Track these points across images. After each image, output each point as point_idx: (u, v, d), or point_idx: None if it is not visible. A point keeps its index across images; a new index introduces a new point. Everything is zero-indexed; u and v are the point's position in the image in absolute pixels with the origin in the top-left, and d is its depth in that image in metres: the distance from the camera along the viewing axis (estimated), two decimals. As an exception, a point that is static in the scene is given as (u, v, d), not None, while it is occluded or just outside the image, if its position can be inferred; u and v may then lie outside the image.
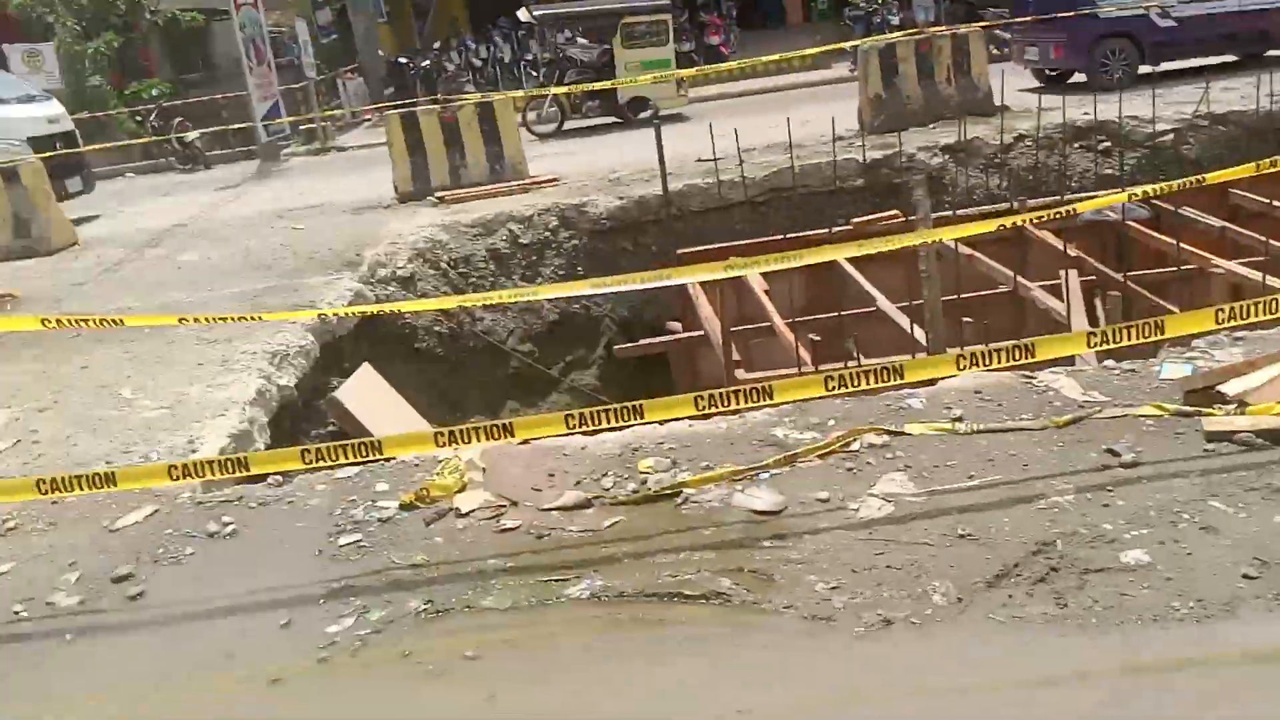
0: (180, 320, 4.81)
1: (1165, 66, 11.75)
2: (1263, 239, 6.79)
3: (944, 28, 13.76)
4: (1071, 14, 12.12)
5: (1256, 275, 6.32)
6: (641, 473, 3.76)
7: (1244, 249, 7.32)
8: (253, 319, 5.53)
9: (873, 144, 9.62)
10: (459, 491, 3.71)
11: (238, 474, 3.63)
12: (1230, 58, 12.33)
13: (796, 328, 6.42)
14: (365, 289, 7.72)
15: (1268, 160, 4.20)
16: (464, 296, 7.43)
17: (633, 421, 3.59)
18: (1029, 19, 12.98)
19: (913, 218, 6.51)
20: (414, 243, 8.59)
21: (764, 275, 7.38)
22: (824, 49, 15.16)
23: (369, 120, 20.19)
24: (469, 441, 3.58)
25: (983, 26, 12.56)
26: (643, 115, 13.94)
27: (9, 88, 13.27)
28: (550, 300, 8.56)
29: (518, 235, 8.94)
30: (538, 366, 8.34)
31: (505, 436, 3.56)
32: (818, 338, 5.90)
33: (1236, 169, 4.69)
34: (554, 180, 10.42)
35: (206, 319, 4.84)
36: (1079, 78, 12.64)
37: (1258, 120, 9.32)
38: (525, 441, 3.96)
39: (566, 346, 8.79)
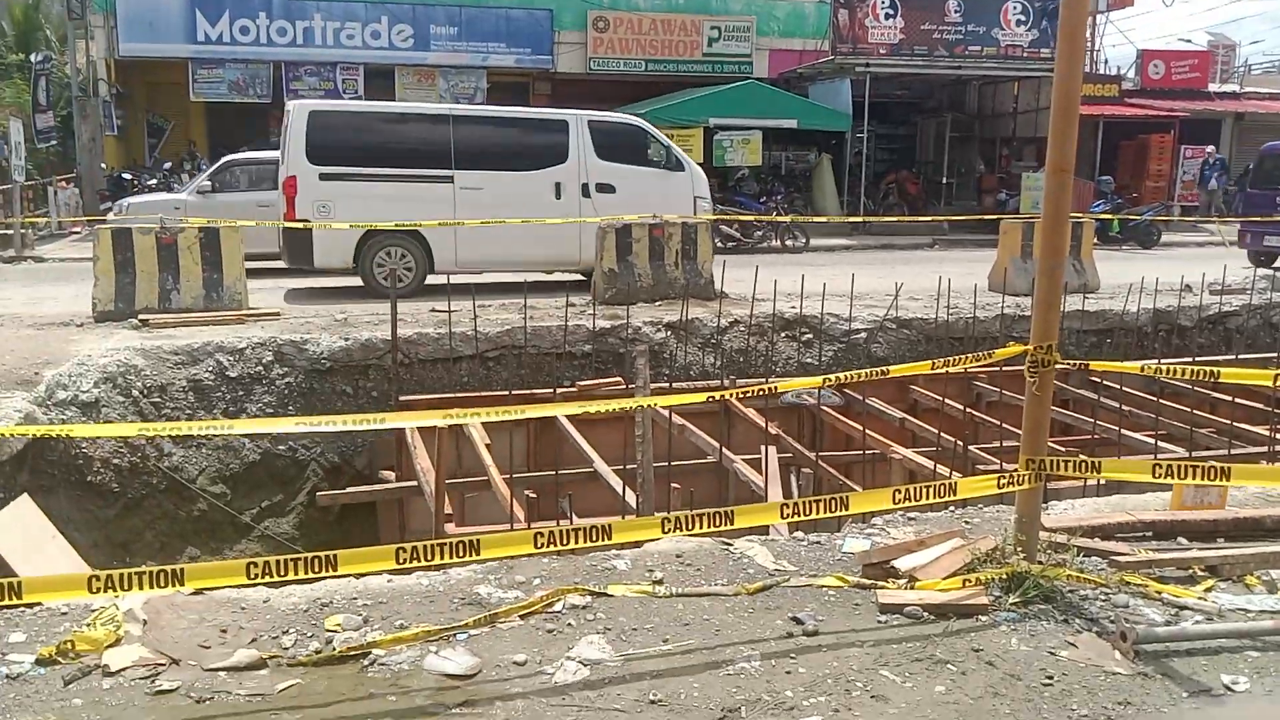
0: None
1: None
2: (935, 431, 7.60)
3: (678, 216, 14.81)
4: None
5: (929, 464, 7.02)
6: (328, 630, 3.48)
7: (920, 439, 8.17)
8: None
9: (603, 314, 9.99)
10: (110, 646, 3.25)
11: None
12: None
13: (514, 484, 6.36)
14: (38, 411, 6.89)
15: (940, 360, 4.74)
16: (146, 425, 6.79)
17: (324, 573, 3.34)
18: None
19: (633, 385, 6.76)
20: (105, 365, 7.82)
21: (487, 429, 7.33)
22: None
23: (78, 233, 18.76)
24: (130, 588, 3.17)
25: (712, 220, 13.63)
26: None
27: None
28: (251, 439, 7.99)
29: (225, 367, 8.38)
30: (228, 510, 7.66)
31: (174, 584, 3.19)
32: (534, 495, 5.86)
33: (914, 365, 5.26)
34: (275, 314, 9.98)
35: None
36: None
37: (935, 328, 10.57)
38: (199, 591, 3.58)
39: (264, 491, 8.15)
